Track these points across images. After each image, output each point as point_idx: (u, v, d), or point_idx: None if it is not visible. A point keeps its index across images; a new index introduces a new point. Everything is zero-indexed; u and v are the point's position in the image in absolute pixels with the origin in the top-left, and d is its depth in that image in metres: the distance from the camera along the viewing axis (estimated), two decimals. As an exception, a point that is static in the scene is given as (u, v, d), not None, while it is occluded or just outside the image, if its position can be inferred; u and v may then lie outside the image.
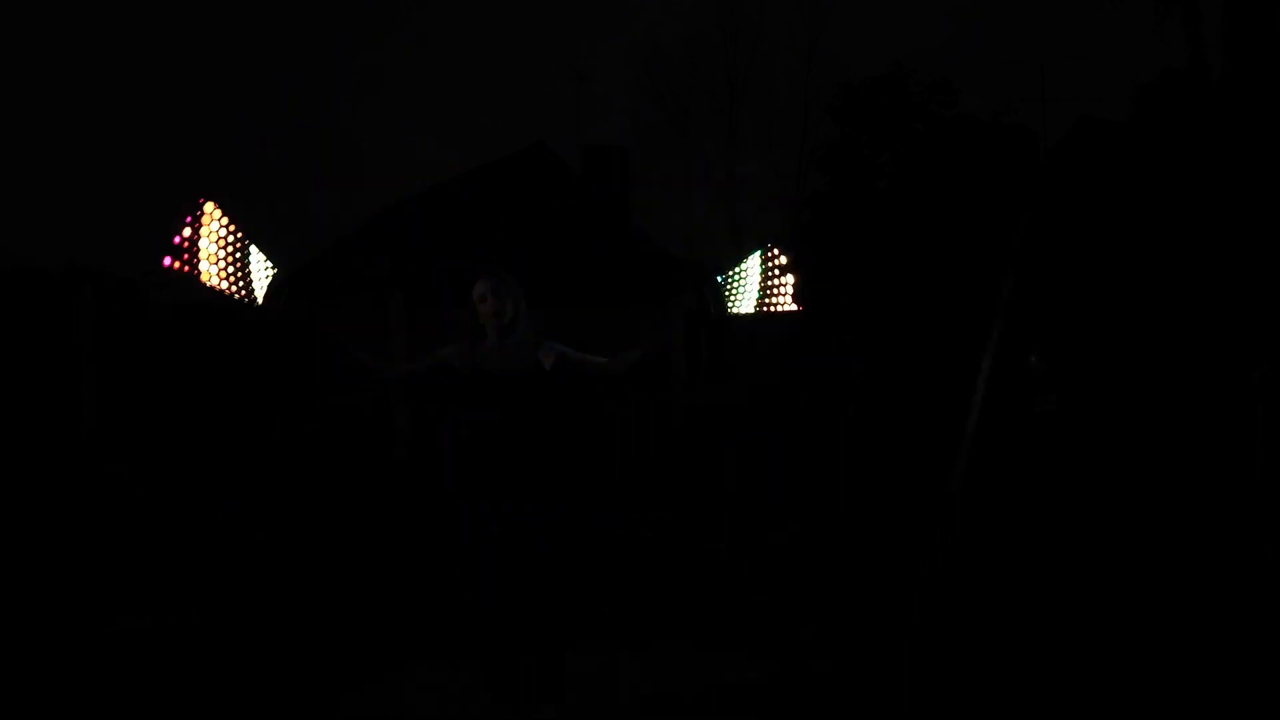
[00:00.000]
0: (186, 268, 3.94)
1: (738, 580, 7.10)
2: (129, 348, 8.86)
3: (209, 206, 4.10)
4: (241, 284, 4.21)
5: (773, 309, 9.38)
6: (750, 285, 9.53)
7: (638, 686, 5.10)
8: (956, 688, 4.77)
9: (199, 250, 4.00)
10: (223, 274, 4.04)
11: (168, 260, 3.96)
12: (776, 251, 9.60)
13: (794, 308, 9.18)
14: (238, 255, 4.18)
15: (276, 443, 8.07)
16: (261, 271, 4.24)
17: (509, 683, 4.47)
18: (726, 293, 9.63)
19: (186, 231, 3.95)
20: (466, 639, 4.60)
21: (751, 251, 9.71)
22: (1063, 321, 5.54)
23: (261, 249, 4.27)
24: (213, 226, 4.07)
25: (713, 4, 40.29)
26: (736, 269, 9.65)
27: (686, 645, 5.86)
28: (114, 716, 4.91)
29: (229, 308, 9.65)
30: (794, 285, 9.31)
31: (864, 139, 20.57)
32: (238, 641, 5.93)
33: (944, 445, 5.31)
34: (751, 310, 9.50)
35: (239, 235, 4.14)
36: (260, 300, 4.08)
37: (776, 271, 9.41)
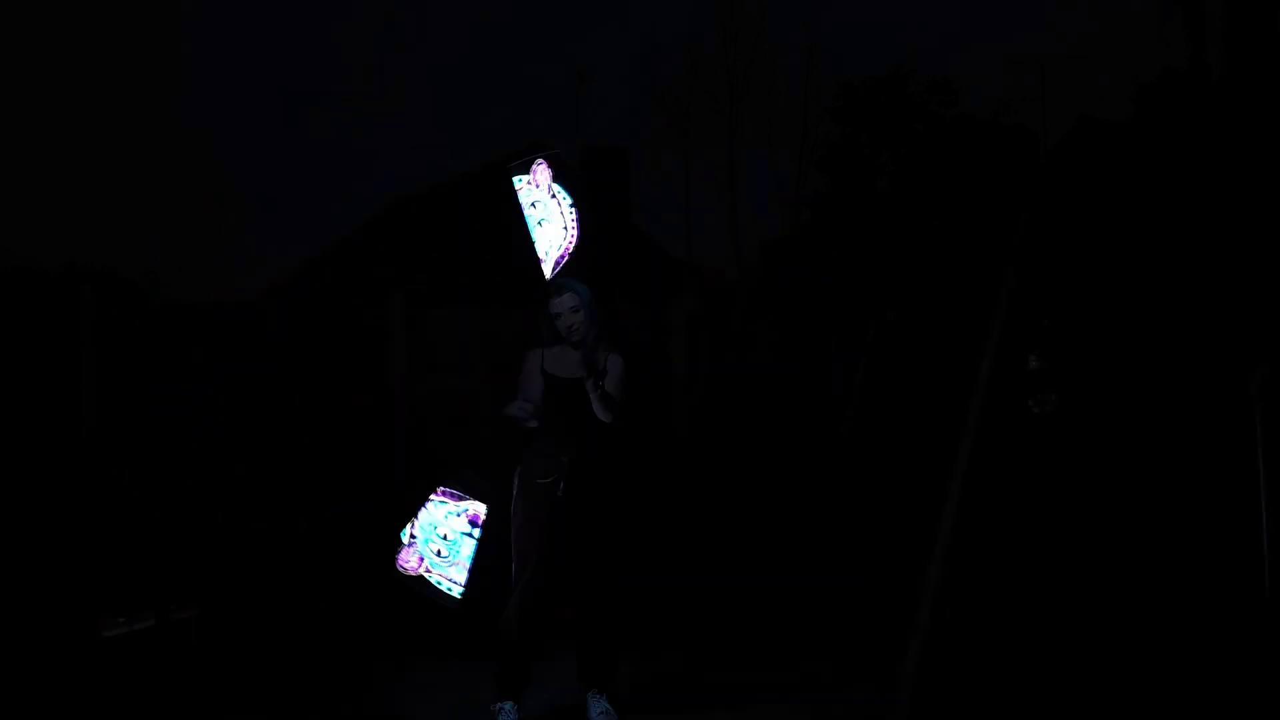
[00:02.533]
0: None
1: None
2: (129, 348, 8.85)
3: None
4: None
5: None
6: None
7: (637, 687, 5.11)
8: (958, 689, 4.77)
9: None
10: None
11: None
12: None
13: None
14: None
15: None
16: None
17: (521, 684, 4.51)
18: None
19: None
20: (479, 640, 4.64)
21: None
22: (1063, 321, 5.54)
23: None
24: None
25: (713, 4, 40.37)
26: None
27: (682, 649, 5.85)
28: (114, 717, 4.91)
29: (223, 310, 9.63)
30: None
31: (864, 139, 20.58)
32: (238, 641, 5.93)
33: (944, 445, 5.31)
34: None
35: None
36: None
37: None
